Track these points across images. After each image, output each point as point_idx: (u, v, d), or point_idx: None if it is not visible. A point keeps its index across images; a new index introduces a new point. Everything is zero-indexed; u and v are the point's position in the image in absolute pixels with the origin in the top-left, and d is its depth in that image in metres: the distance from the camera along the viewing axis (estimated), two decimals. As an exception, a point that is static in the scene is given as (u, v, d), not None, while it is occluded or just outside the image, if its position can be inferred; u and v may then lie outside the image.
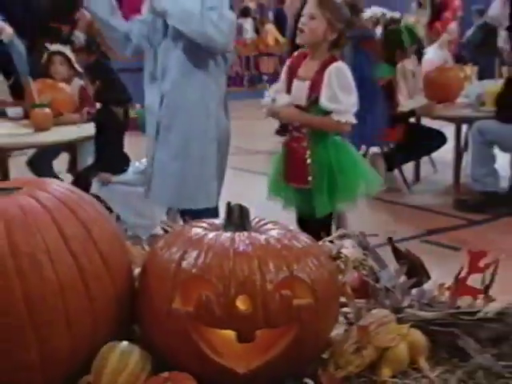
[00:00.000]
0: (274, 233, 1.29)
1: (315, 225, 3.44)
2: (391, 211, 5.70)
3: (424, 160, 6.77)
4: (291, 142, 3.50)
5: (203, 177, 3.48)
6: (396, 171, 6.44)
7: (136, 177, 4.85)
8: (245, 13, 13.28)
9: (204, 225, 1.33)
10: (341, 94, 3.31)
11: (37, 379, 1.21)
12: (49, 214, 1.22)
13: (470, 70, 8.44)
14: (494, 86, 5.76)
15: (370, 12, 10.04)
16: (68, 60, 5.56)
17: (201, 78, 3.44)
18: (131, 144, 5.38)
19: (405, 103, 6.13)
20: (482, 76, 8.08)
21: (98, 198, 4.81)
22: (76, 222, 1.24)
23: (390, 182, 6.17)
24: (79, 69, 5.62)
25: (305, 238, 1.31)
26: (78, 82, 5.61)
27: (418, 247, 4.95)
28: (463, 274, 1.53)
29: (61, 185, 1.32)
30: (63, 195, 1.27)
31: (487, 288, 1.50)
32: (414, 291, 1.47)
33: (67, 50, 5.69)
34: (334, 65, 3.33)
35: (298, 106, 3.42)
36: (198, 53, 3.39)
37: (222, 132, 3.57)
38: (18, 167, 5.57)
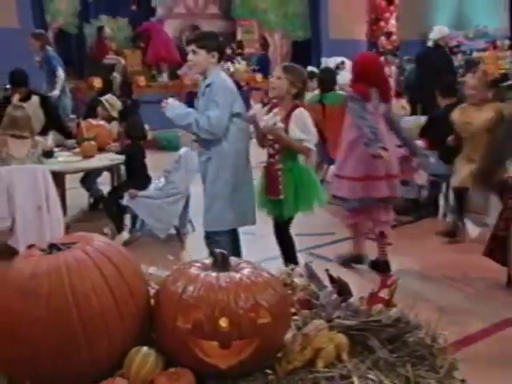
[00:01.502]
0: (246, 271, 1.40)
1: (283, 223, 3.69)
2: (340, 214, 5.75)
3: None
4: (269, 165, 3.63)
5: (214, 209, 3.52)
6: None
7: (156, 192, 4.93)
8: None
9: (199, 265, 1.45)
10: (306, 129, 3.51)
11: (88, 371, 1.34)
12: (93, 262, 1.35)
13: (407, 103, 8.54)
14: (418, 122, 5.83)
15: (334, 60, 10.24)
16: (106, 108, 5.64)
17: (218, 142, 3.45)
18: (152, 160, 5.42)
19: None
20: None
21: (128, 207, 4.93)
22: (111, 266, 1.37)
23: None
24: (115, 114, 5.70)
25: (266, 274, 1.43)
26: (116, 123, 5.71)
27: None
28: (375, 289, 1.66)
29: (102, 240, 1.44)
30: (103, 248, 1.40)
31: (390, 299, 1.63)
32: (343, 305, 1.59)
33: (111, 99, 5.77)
34: (298, 110, 3.52)
35: None
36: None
37: (239, 177, 3.55)
38: (71, 180, 5.66)
